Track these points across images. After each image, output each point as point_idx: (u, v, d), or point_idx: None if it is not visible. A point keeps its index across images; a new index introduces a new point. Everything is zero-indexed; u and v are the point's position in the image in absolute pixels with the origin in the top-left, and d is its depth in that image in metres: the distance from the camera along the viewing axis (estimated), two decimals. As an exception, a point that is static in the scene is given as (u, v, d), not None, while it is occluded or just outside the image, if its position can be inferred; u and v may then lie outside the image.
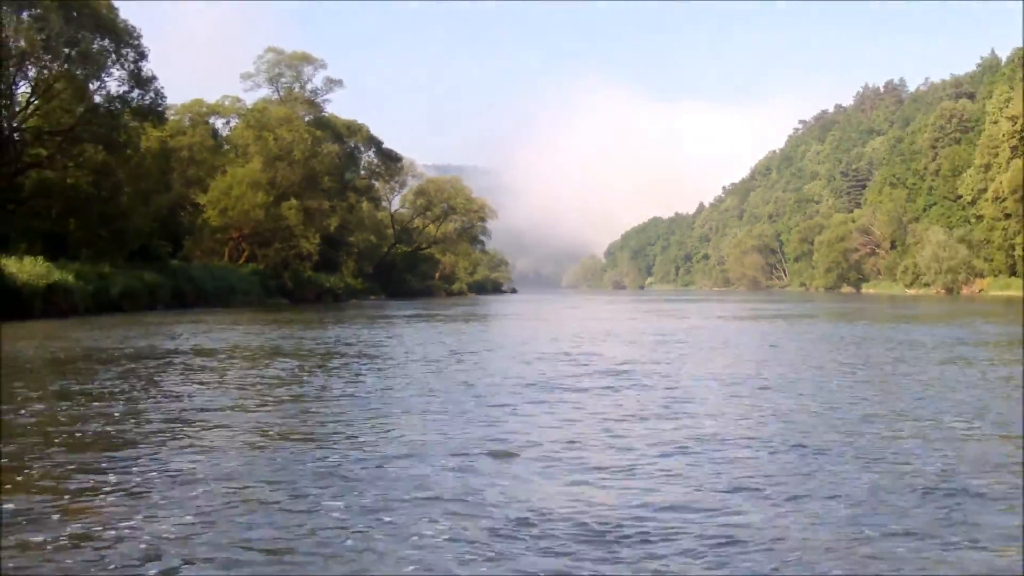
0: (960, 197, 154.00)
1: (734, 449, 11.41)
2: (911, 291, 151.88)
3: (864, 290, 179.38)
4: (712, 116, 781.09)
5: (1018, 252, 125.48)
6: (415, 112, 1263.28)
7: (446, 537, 7.71)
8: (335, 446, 11.61)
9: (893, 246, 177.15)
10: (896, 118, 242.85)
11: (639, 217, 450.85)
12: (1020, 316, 52.94)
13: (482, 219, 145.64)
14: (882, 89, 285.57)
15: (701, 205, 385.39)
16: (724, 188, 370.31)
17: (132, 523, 8.06)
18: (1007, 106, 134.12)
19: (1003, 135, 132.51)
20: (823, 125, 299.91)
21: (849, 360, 23.79)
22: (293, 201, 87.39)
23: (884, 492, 9.06)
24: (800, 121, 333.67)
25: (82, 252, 59.01)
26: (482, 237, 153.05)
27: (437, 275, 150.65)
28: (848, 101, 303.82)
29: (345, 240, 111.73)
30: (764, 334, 36.90)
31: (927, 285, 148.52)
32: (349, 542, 7.59)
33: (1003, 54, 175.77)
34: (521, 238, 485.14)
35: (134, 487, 9.36)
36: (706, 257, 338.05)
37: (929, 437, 12.17)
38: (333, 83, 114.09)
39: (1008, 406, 14.98)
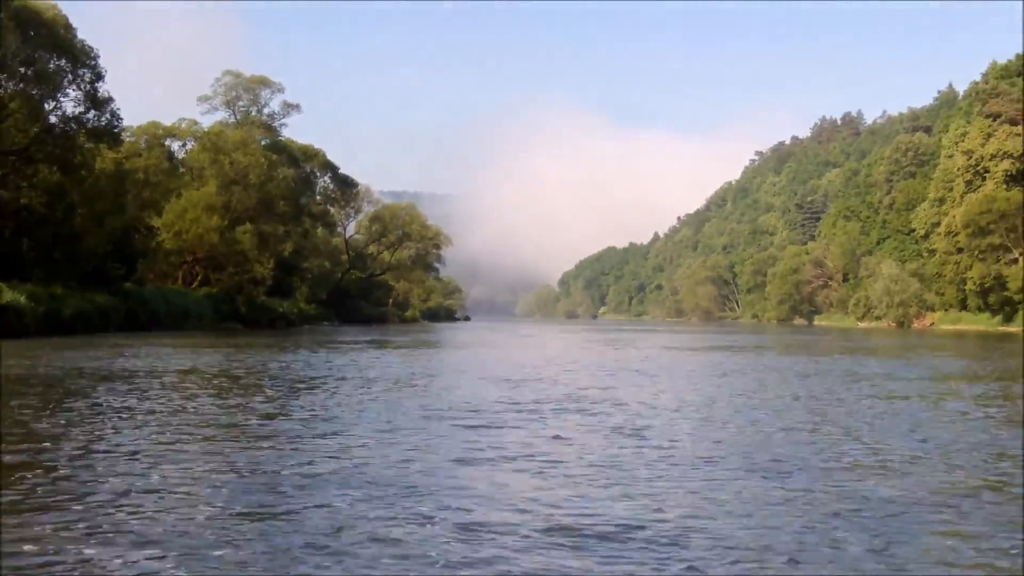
0: (913, 231, 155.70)
1: (677, 467, 11.87)
2: (862, 324, 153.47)
3: (816, 322, 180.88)
4: (671, 146, 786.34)
5: (969, 287, 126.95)
6: (372, 138, 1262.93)
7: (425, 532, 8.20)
8: (327, 456, 12.12)
9: (846, 279, 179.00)
10: (852, 151, 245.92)
11: (594, 246, 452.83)
12: (966, 351, 53.80)
13: (437, 246, 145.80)
14: (839, 121, 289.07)
15: (656, 235, 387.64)
16: (679, 218, 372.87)
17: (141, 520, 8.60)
18: (963, 140, 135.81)
19: (958, 169, 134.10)
20: (780, 157, 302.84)
21: (792, 391, 24.26)
22: (248, 225, 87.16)
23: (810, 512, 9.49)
24: (757, 152, 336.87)
25: (35, 273, 58.61)
26: (436, 264, 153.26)
27: (391, 302, 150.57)
28: (805, 133, 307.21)
29: (299, 265, 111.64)
30: (712, 365, 37.41)
31: (879, 318, 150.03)
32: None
33: (960, 88, 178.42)
34: (476, 266, 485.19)
35: (151, 487, 10.29)
36: (659, 287, 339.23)
37: (858, 463, 12.69)
38: (290, 107, 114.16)
39: (931, 432, 15.44)
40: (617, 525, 9.00)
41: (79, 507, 9.41)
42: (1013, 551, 8.32)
